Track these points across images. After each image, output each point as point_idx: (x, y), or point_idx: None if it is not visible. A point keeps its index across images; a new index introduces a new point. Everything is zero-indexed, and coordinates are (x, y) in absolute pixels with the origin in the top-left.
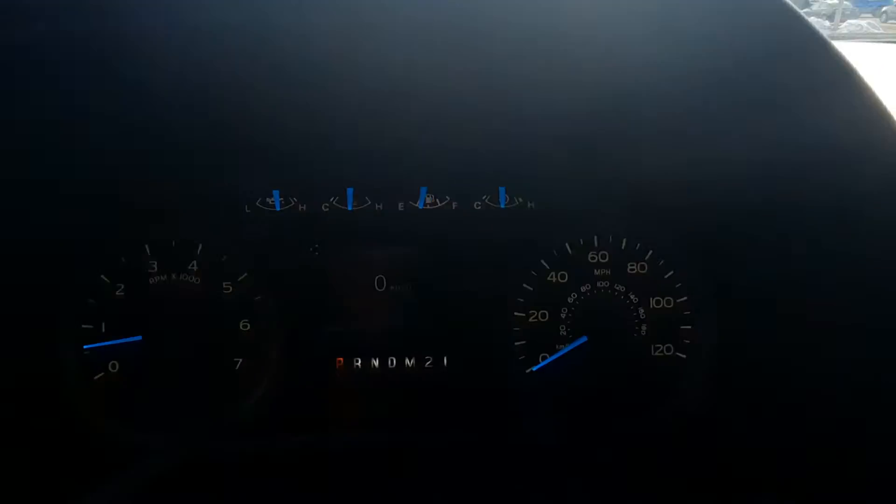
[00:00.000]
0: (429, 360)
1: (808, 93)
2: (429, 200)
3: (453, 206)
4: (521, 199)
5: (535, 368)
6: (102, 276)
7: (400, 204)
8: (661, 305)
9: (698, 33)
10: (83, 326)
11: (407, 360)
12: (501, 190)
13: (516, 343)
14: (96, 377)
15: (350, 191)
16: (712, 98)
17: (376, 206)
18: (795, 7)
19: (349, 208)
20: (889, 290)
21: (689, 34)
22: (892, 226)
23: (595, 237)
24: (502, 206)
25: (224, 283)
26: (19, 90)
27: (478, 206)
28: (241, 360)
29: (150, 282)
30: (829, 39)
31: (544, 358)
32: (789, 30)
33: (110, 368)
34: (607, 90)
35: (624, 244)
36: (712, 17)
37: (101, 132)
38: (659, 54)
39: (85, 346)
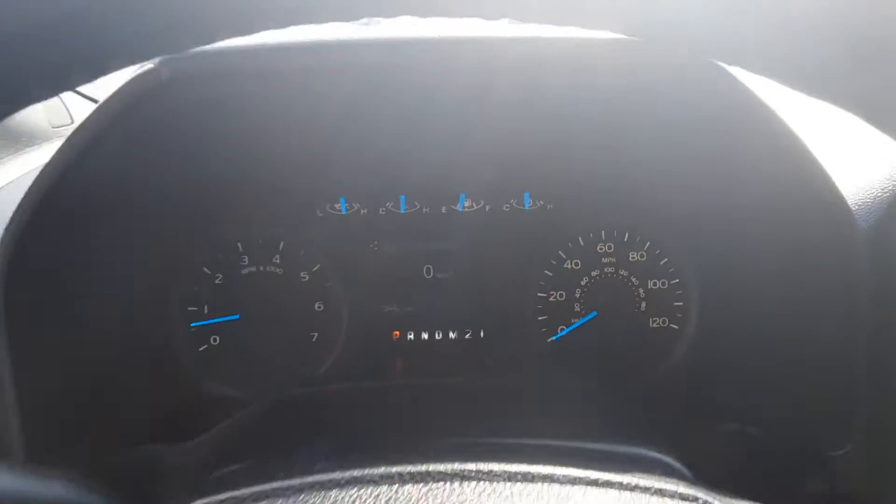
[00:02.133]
0: (468, 332)
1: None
2: (467, 204)
3: (486, 209)
4: (541, 202)
5: (554, 338)
6: (205, 269)
7: (443, 207)
8: (657, 286)
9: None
10: (190, 308)
11: (451, 333)
12: (526, 195)
13: (539, 318)
14: (201, 349)
15: (403, 197)
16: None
17: (424, 209)
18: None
19: (402, 211)
20: (813, 276)
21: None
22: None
23: (602, 232)
24: (526, 207)
25: (301, 273)
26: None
27: (506, 208)
28: (316, 333)
29: (243, 272)
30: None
31: (562, 329)
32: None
33: (212, 342)
34: (607, 128)
35: (626, 237)
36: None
37: (214, 163)
38: (639, 106)
39: (192, 324)
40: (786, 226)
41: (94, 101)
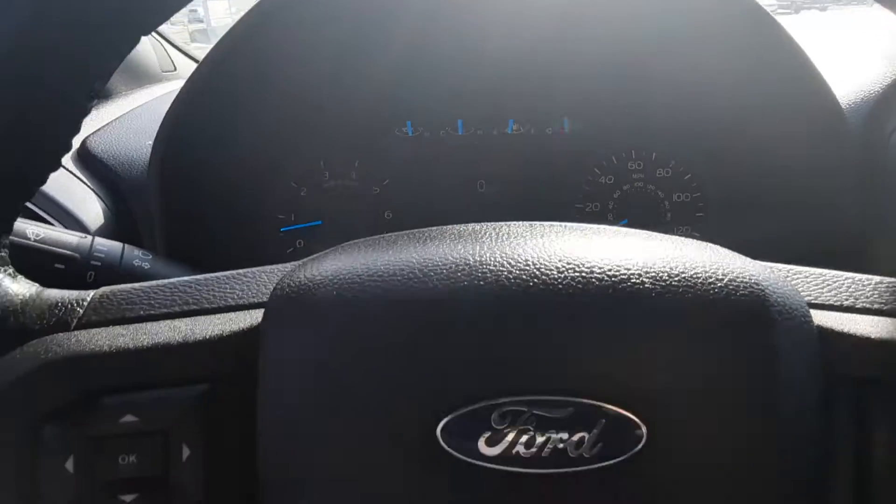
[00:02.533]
0: None
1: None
2: (515, 128)
3: (531, 132)
4: (579, 126)
5: None
6: (292, 183)
7: (494, 130)
8: (681, 199)
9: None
10: (279, 216)
11: None
12: (565, 120)
13: None
14: (289, 251)
15: (460, 121)
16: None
17: (478, 132)
18: None
19: (460, 133)
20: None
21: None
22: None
23: (633, 151)
24: (566, 130)
25: (374, 187)
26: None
27: (549, 131)
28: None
29: (324, 186)
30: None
31: None
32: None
33: (298, 245)
34: (635, 59)
35: (654, 156)
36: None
37: (304, 91)
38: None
39: (281, 229)
40: (792, 140)
41: (187, 54)
